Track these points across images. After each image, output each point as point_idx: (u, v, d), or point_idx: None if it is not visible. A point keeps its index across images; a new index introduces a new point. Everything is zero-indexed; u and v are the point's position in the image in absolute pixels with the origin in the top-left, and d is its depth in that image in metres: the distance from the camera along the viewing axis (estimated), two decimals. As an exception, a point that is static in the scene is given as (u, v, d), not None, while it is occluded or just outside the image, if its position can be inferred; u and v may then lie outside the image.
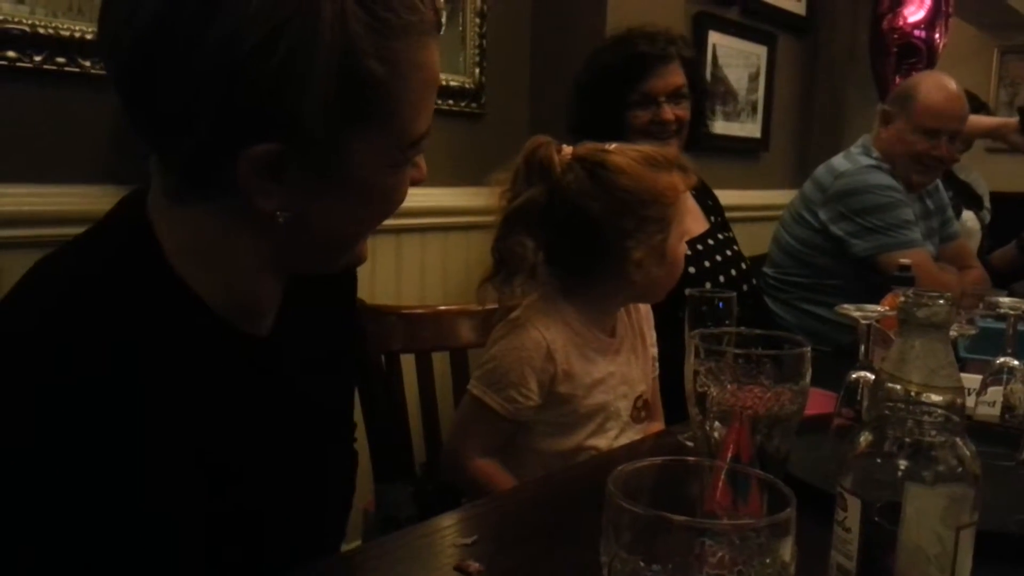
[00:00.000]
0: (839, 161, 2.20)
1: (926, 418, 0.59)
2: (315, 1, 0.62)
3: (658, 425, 1.40)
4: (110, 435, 0.65)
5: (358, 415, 1.29)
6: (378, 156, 0.71)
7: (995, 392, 1.20)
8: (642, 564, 0.45)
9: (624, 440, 1.27)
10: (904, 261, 1.41)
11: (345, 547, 1.12)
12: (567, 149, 1.22)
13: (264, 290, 0.78)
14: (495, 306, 1.27)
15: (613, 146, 1.23)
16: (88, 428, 0.64)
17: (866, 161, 2.15)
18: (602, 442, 1.25)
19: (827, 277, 2.15)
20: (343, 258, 0.80)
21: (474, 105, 2.18)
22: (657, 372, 1.39)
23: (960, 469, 0.57)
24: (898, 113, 2.14)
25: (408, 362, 1.47)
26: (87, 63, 1.49)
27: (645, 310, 1.38)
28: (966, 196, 2.93)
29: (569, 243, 1.22)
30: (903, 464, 0.59)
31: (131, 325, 0.67)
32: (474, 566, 0.78)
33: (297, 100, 0.64)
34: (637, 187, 1.18)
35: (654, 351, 1.38)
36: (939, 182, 2.34)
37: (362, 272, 2.12)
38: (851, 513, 0.59)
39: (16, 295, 0.69)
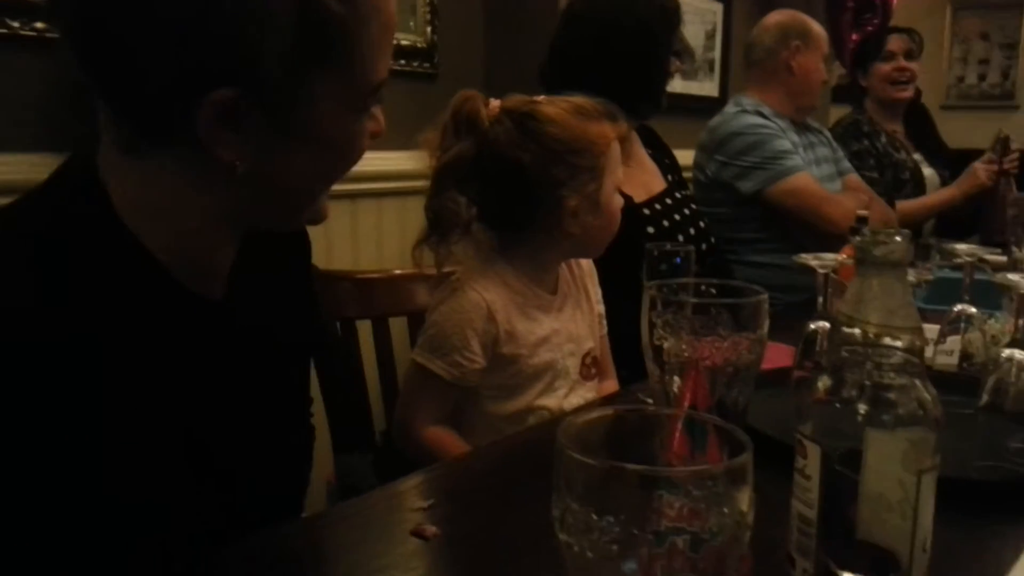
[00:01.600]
0: (713, 120, 2.28)
1: (885, 360, 0.57)
2: None
3: (611, 383, 1.40)
4: (66, 399, 0.63)
5: (315, 384, 1.26)
6: (338, 102, 0.69)
7: (953, 341, 1.20)
8: (594, 517, 0.43)
9: (575, 399, 1.27)
10: (862, 213, 1.40)
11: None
12: (495, 102, 1.20)
13: (218, 249, 0.76)
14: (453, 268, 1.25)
15: (542, 97, 1.22)
16: (43, 392, 0.62)
17: (732, 109, 2.24)
18: (552, 401, 1.24)
19: (743, 227, 2.19)
20: (302, 214, 0.78)
21: (427, 65, 2.13)
22: (606, 330, 1.38)
23: (921, 412, 0.56)
24: (803, 47, 2.25)
25: (365, 328, 1.44)
26: (15, 24, 1.41)
27: (588, 266, 1.36)
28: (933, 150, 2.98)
29: (501, 196, 1.20)
30: (863, 409, 0.57)
31: (84, 286, 0.65)
32: (430, 529, 0.76)
33: (256, 42, 0.62)
34: (567, 136, 1.17)
35: (600, 308, 1.37)
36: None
37: (317, 239, 2.07)
38: (811, 460, 0.58)
39: None
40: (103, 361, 0.65)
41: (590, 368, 1.32)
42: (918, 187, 2.77)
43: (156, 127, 0.67)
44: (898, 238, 0.54)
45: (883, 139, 2.77)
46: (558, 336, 1.26)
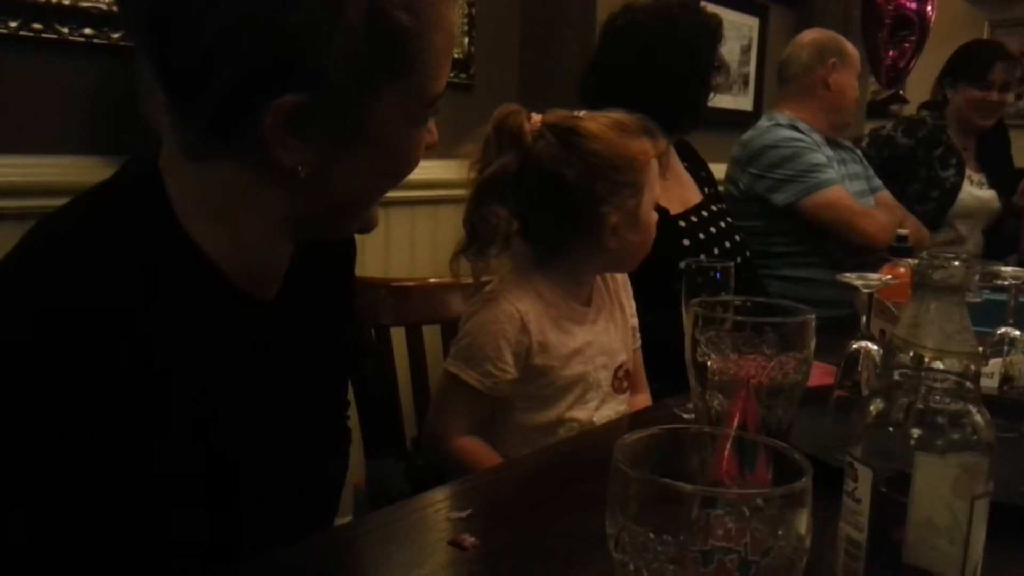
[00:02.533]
0: (746, 134, 2.27)
1: (938, 385, 0.56)
2: None
3: (643, 396, 1.39)
4: (119, 395, 0.64)
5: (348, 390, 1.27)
6: (399, 112, 0.70)
7: (995, 364, 1.18)
8: (652, 536, 0.43)
9: (606, 411, 1.26)
10: (902, 232, 1.39)
11: (335, 523, 1.10)
12: (536, 117, 1.20)
13: (273, 251, 0.77)
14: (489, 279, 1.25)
15: (583, 113, 1.22)
16: (97, 388, 0.63)
17: (766, 124, 2.24)
18: (582, 413, 1.24)
19: (776, 240, 2.19)
20: (356, 221, 0.80)
21: (463, 76, 2.14)
22: (639, 343, 1.38)
23: (974, 438, 0.55)
24: (839, 64, 2.25)
25: (398, 335, 1.45)
26: (65, 29, 1.44)
27: (623, 280, 1.36)
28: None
29: (543, 211, 1.20)
30: (914, 433, 0.57)
31: (142, 287, 0.67)
32: (469, 540, 0.76)
33: (325, 50, 0.63)
34: (610, 152, 1.17)
35: (634, 321, 1.37)
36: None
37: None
38: (861, 484, 0.57)
39: (23, 255, 0.68)
40: (154, 358, 0.66)
41: (622, 381, 1.31)
42: (940, 208, 2.71)
43: (221, 130, 0.67)
44: (957, 262, 0.54)
45: (940, 151, 2.70)
46: (591, 348, 1.26)
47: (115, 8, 1.47)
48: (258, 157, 0.67)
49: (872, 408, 0.58)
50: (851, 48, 2.30)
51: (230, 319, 0.74)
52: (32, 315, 0.63)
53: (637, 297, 1.41)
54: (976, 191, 2.82)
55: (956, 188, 2.76)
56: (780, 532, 0.45)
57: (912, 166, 2.65)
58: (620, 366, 1.30)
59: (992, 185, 2.86)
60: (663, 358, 1.31)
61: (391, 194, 1.91)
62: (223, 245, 0.72)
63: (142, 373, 0.65)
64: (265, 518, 0.78)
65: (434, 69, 0.70)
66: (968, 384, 0.56)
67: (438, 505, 0.87)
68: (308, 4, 0.62)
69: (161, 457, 0.67)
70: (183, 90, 0.67)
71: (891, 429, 0.57)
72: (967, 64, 2.75)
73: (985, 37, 5.59)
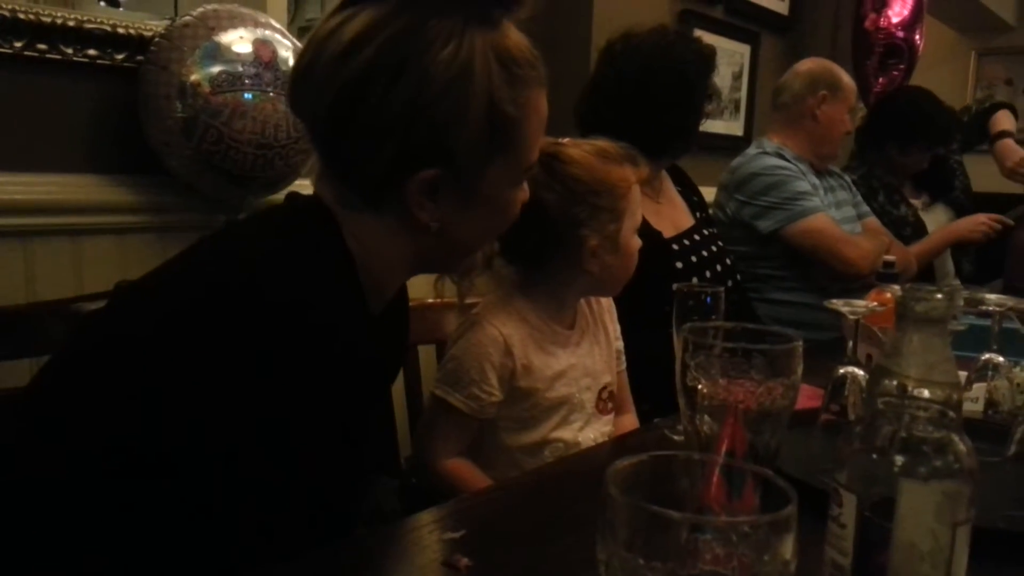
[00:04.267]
0: (734, 161, 2.31)
1: (921, 413, 0.58)
2: (471, 66, 0.83)
3: (629, 417, 1.41)
4: (301, 382, 0.77)
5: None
6: (506, 178, 0.91)
7: (979, 388, 1.20)
8: (641, 562, 0.45)
9: (590, 432, 1.28)
10: (888, 258, 1.42)
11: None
12: None
13: (397, 281, 0.97)
14: (476, 300, 1.27)
15: (566, 140, 1.26)
16: (290, 373, 0.76)
17: (753, 151, 2.28)
18: (567, 434, 1.26)
19: (764, 264, 2.22)
20: (467, 262, 1.04)
21: (460, 99, 2.17)
22: (624, 365, 1.40)
23: (956, 465, 0.57)
24: (829, 97, 2.28)
25: (393, 356, 1.46)
26: (69, 50, 1.46)
27: (607, 303, 1.39)
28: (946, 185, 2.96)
29: (524, 233, 1.22)
30: (898, 460, 0.58)
31: (330, 296, 0.82)
32: (463, 560, 0.77)
33: (456, 137, 0.84)
34: (590, 177, 1.21)
35: (619, 343, 1.39)
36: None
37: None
38: (846, 509, 0.59)
39: (219, 251, 0.85)
40: (324, 342, 0.79)
41: (606, 402, 1.33)
42: (920, 239, 2.74)
43: (374, 192, 0.87)
44: (939, 295, 0.56)
45: (881, 197, 2.73)
46: (574, 370, 1.28)
47: (119, 31, 1.49)
48: (400, 213, 0.87)
49: (857, 435, 0.60)
50: (846, 81, 2.33)
51: (360, 323, 0.89)
52: (248, 298, 0.76)
53: (629, 318, 1.43)
54: (928, 214, 2.85)
55: (918, 218, 2.79)
56: (766, 557, 0.47)
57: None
58: (604, 387, 1.32)
59: (935, 199, 2.90)
60: (654, 379, 1.33)
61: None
62: (366, 270, 0.88)
63: (314, 354, 0.78)
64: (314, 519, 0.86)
65: (531, 143, 0.91)
66: (950, 413, 0.58)
67: (432, 525, 0.88)
68: (446, 103, 0.82)
69: (310, 442, 0.80)
70: (347, 163, 0.87)
71: (875, 456, 0.59)
72: (928, 130, 2.70)
73: (972, 65, 5.68)
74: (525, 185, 0.97)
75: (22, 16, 1.39)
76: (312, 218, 0.89)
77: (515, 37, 0.89)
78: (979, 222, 2.61)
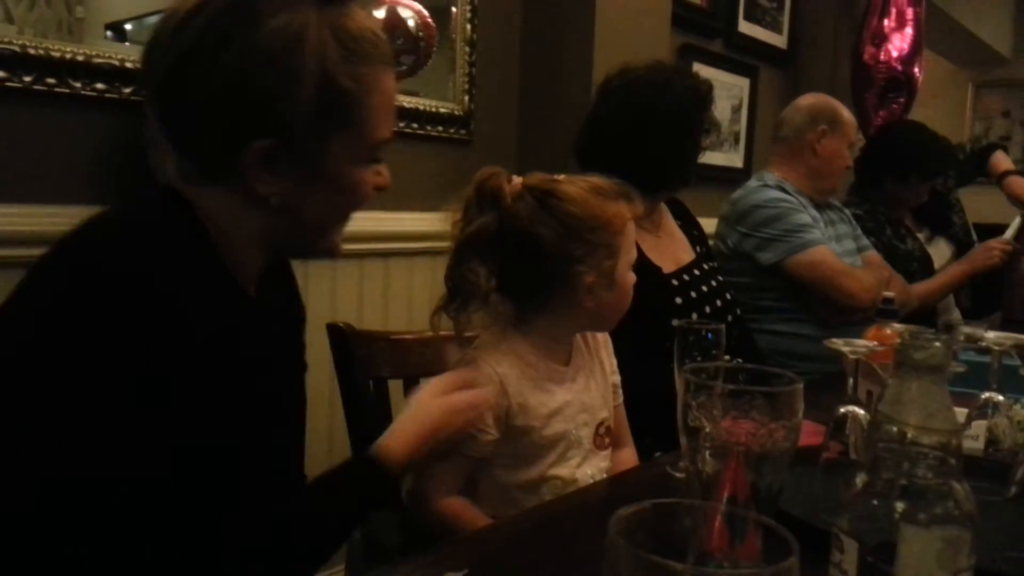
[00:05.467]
0: (735, 193, 2.32)
1: (921, 460, 0.59)
2: (302, 37, 0.84)
3: (627, 451, 1.41)
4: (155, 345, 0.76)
5: (346, 442, 1.28)
6: (348, 153, 0.90)
7: (979, 426, 1.21)
8: (646, 610, 0.45)
9: (588, 468, 1.28)
10: (888, 294, 1.42)
11: (329, 572, 1.10)
12: (517, 179, 1.24)
13: (254, 259, 0.95)
14: (474, 334, 1.27)
15: (562, 176, 1.26)
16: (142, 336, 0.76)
17: (754, 184, 2.30)
18: (565, 471, 1.25)
19: (765, 296, 2.22)
20: (319, 244, 0.98)
21: (463, 132, 2.19)
22: (621, 399, 1.40)
23: (956, 512, 0.57)
24: (829, 131, 2.31)
25: (396, 388, 1.46)
26: (77, 84, 1.48)
27: (603, 338, 1.38)
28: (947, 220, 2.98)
29: (520, 269, 1.23)
30: (898, 506, 0.59)
31: (175, 265, 0.82)
32: (465, 601, 0.77)
33: (288, 109, 0.84)
34: (585, 214, 1.21)
35: (615, 378, 1.39)
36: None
37: (349, 296, 2.11)
38: (847, 555, 0.59)
39: (77, 239, 0.83)
40: (185, 311, 0.78)
41: (604, 438, 1.33)
42: (926, 274, 2.74)
43: (212, 164, 0.88)
44: (937, 343, 0.56)
45: (888, 231, 2.75)
46: (571, 407, 1.27)
47: (126, 65, 1.52)
48: (242, 187, 0.87)
49: (858, 481, 0.61)
50: (846, 116, 2.35)
51: (231, 293, 0.90)
52: (103, 277, 0.76)
53: (630, 353, 1.43)
54: (931, 248, 2.87)
55: (924, 252, 2.81)
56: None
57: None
58: (601, 423, 1.32)
59: (935, 233, 2.92)
60: (655, 413, 1.33)
61: (391, 246, 1.98)
62: (221, 246, 0.89)
63: (166, 323, 0.77)
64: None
65: (374, 122, 0.91)
66: (950, 459, 0.59)
67: (434, 563, 0.88)
68: (273, 73, 0.83)
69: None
70: (184, 137, 0.88)
71: (876, 502, 0.59)
72: (923, 161, 2.71)
73: (969, 97, 5.74)
74: (384, 170, 0.97)
75: (32, 51, 1.42)
76: (157, 195, 0.91)
77: (359, 18, 0.89)
78: (991, 248, 2.63)
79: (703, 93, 1.78)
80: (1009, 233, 2.67)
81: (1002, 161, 2.83)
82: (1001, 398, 1.19)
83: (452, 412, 1.07)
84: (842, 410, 1.04)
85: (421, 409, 1.06)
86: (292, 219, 0.91)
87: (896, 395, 0.59)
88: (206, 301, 0.82)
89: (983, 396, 1.20)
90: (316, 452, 1.81)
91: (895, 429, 0.60)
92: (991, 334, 1.20)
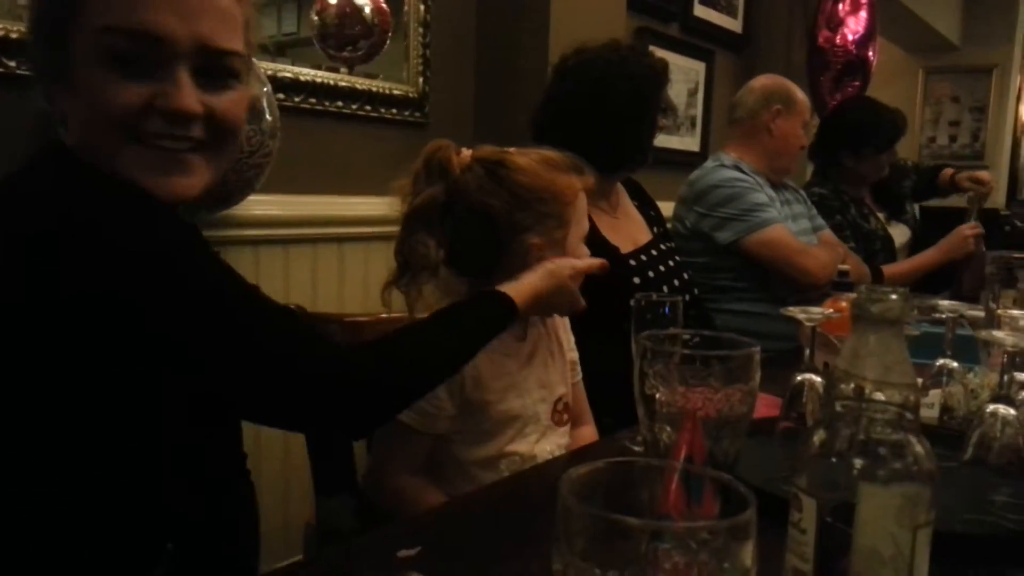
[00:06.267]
0: (693, 174, 2.34)
1: (879, 416, 0.58)
2: None
3: (587, 428, 1.40)
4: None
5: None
6: (84, 48, 0.85)
7: (934, 394, 1.21)
8: (598, 572, 0.43)
9: (547, 444, 1.26)
10: (843, 267, 1.43)
11: (286, 562, 1.07)
12: (466, 151, 1.22)
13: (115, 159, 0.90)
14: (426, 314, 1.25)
15: (513, 149, 1.24)
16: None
17: (711, 164, 2.32)
18: (523, 447, 1.24)
19: (722, 276, 2.24)
20: (116, 154, 0.87)
21: (417, 114, 2.15)
22: (580, 376, 1.38)
23: (915, 468, 0.56)
24: (784, 111, 2.32)
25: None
26: (12, 63, 1.42)
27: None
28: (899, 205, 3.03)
29: (469, 240, 1.21)
30: (857, 463, 0.58)
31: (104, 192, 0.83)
32: (419, 579, 0.75)
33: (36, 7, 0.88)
34: (535, 184, 1.19)
35: (573, 355, 1.38)
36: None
37: (304, 280, 2.06)
38: (806, 514, 0.58)
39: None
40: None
41: (562, 414, 1.32)
42: (888, 253, 2.79)
43: (44, 90, 0.89)
44: (894, 296, 0.55)
45: (853, 210, 2.78)
46: (527, 383, 1.26)
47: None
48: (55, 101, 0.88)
49: (815, 439, 0.59)
50: (800, 96, 2.37)
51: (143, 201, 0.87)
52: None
53: (589, 334, 1.42)
54: (892, 229, 2.92)
55: (887, 232, 2.85)
56: (726, 564, 0.45)
57: (846, 232, 2.69)
58: (559, 399, 1.31)
59: (892, 218, 2.97)
60: (615, 393, 1.32)
61: (345, 231, 1.92)
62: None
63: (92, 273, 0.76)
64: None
65: (101, 6, 0.84)
66: (908, 415, 0.58)
67: (387, 543, 0.86)
68: None
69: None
70: (32, 65, 0.91)
71: (834, 460, 0.58)
72: (876, 133, 2.74)
73: (920, 83, 5.84)
74: (169, 88, 0.87)
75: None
76: (39, 151, 0.91)
77: None
78: (965, 236, 2.67)
79: (659, 71, 1.77)
80: (972, 217, 2.72)
81: (948, 170, 2.98)
82: (956, 365, 1.20)
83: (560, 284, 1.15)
84: (798, 378, 1.04)
85: (542, 270, 1.14)
86: (81, 128, 0.88)
87: (854, 350, 0.58)
88: (126, 217, 0.82)
89: (937, 364, 1.21)
90: (272, 439, 1.78)
91: (852, 386, 0.58)
92: (945, 303, 1.20)
